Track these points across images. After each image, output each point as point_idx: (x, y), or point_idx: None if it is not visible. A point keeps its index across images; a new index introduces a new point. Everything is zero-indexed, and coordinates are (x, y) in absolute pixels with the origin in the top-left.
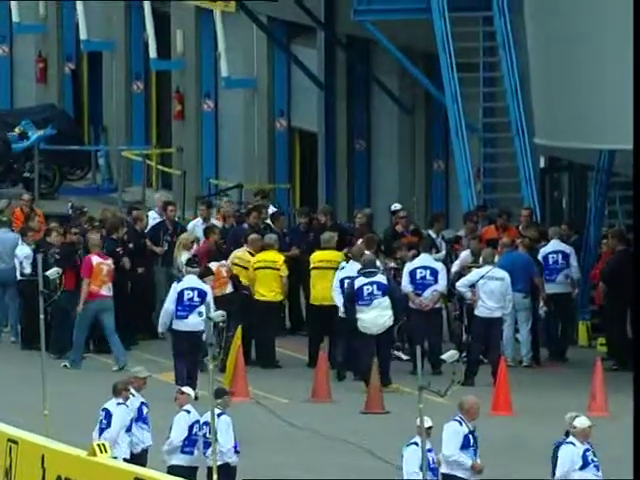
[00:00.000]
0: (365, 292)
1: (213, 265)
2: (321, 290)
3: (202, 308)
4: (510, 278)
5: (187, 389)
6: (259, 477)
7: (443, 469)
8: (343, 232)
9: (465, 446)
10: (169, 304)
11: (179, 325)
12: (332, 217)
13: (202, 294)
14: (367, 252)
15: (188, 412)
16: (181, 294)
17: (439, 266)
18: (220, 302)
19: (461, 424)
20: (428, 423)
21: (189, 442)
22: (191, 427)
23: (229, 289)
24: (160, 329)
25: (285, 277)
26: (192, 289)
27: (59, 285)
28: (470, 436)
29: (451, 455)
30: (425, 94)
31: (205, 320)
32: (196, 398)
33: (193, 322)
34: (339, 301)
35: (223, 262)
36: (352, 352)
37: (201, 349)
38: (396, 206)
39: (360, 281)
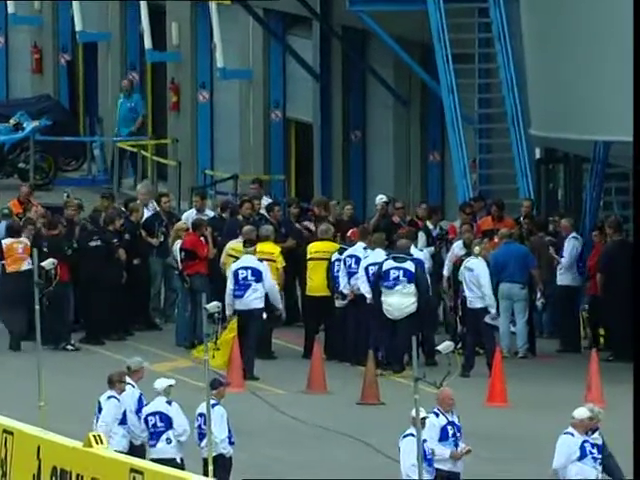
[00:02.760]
0: (391, 275)
1: (6, 241)
2: (317, 281)
3: (257, 286)
4: (507, 269)
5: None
6: (254, 468)
7: None
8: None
9: (443, 438)
10: (228, 284)
11: (236, 304)
12: (326, 208)
13: (256, 273)
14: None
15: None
16: (236, 274)
17: (422, 255)
18: (16, 279)
19: (437, 416)
20: (423, 414)
21: (151, 437)
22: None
23: (26, 266)
24: (227, 311)
25: (282, 268)
26: (246, 268)
27: (55, 276)
28: (448, 427)
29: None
30: (421, 85)
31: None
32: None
33: (247, 301)
34: (365, 288)
35: (21, 239)
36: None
37: (256, 330)
38: (382, 197)
39: (388, 264)
